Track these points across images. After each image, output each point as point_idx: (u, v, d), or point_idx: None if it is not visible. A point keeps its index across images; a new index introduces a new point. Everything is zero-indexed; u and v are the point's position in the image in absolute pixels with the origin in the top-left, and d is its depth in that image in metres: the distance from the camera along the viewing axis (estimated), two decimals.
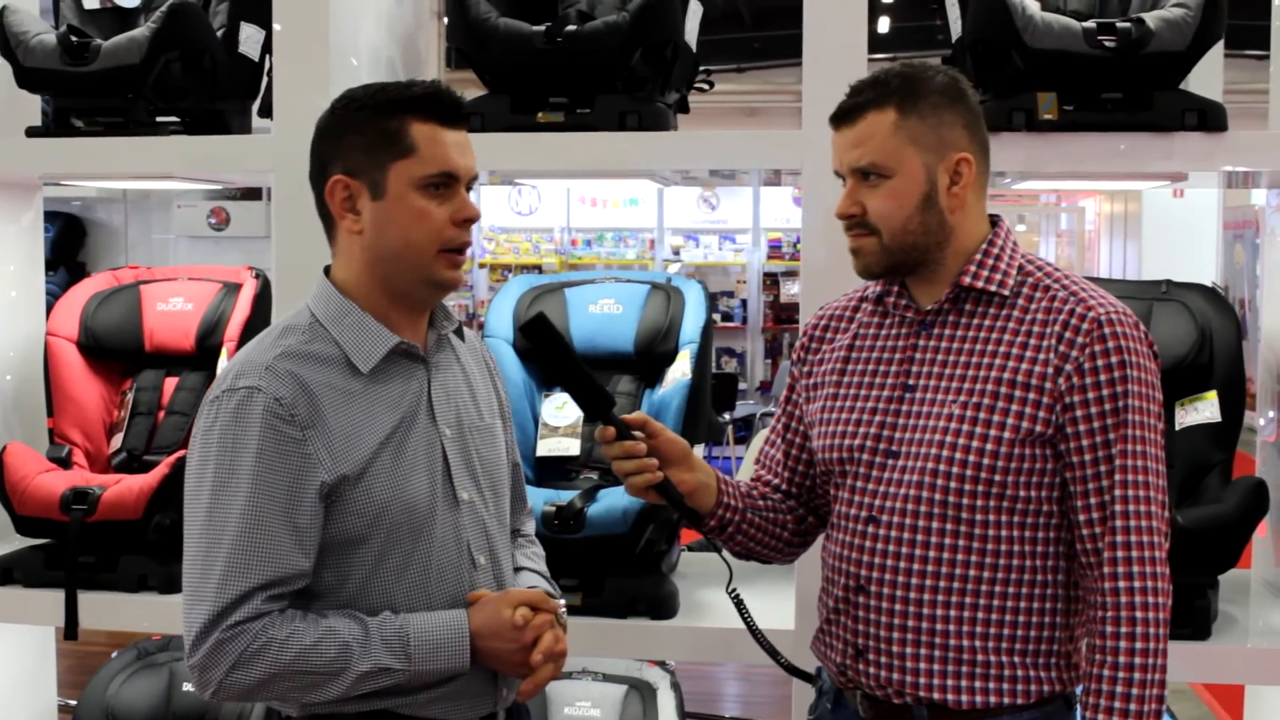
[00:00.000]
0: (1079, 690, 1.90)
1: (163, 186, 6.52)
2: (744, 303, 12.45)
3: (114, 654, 3.25)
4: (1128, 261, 14.54)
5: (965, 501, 1.88)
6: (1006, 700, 1.89)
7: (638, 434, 1.96)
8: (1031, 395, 1.87)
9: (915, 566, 1.91)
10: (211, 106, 2.98)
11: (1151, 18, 2.56)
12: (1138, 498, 1.85)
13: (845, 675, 1.99)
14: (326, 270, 1.91)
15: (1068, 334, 1.87)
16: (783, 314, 12.23)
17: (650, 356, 2.96)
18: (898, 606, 1.92)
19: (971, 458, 1.87)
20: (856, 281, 2.06)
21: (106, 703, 3.09)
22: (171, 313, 3.16)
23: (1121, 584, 1.83)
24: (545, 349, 1.96)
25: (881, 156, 1.90)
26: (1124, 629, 1.82)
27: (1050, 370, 1.87)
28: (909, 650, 1.91)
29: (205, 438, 1.79)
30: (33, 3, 3.19)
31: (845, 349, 2.05)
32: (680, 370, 2.88)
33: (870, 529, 1.94)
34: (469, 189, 1.86)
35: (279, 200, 2.88)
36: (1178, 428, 2.68)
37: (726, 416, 9.58)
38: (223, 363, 3.00)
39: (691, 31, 2.90)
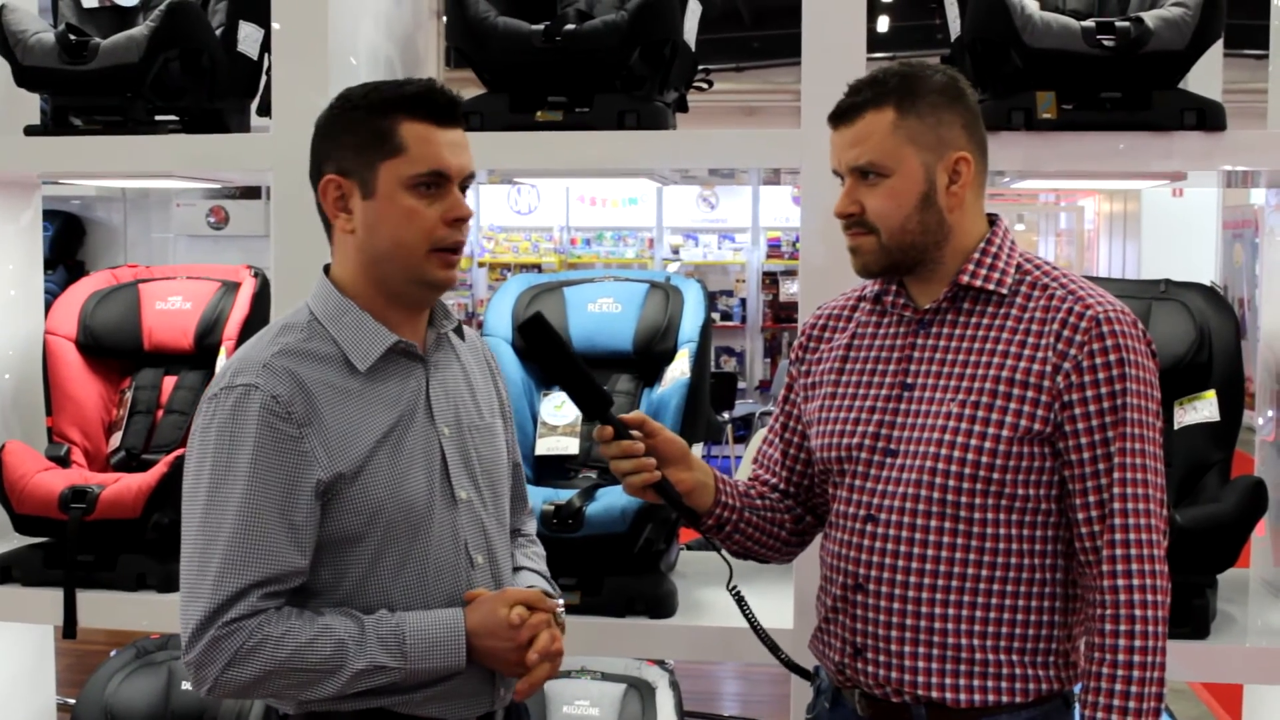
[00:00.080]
0: (1077, 689, 1.90)
1: (162, 185, 6.51)
2: (743, 302, 12.45)
3: (113, 653, 3.25)
4: (1127, 261, 14.55)
5: (964, 500, 1.88)
6: (1005, 699, 1.89)
7: (635, 433, 1.96)
8: (1030, 393, 1.87)
9: (914, 565, 1.91)
10: (210, 105, 2.98)
11: (1150, 17, 2.56)
12: (1136, 495, 1.85)
13: (843, 674, 1.99)
14: (326, 269, 1.92)
15: (1066, 332, 1.87)
16: (782, 313, 12.22)
17: (649, 355, 2.97)
18: (896, 605, 1.92)
19: (970, 456, 1.87)
20: (856, 281, 2.06)
21: (105, 701, 3.09)
22: (170, 311, 3.16)
23: (1120, 582, 1.83)
24: (543, 349, 1.96)
25: (880, 155, 1.90)
26: (1123, 627, 1.82)
27: (1049, 368, 1.87)
28: (907, 649, 1.91)
29: (203, 435, 1.79)
30: (31, 1, 3.19)
31: (843, 348, 2.05)
32: (679, 369, 2.88)
33: (869, 527, 1.94)
34: (464, 188, 1.85)
35: (278, 199, 2.88)
36: (1176, 427, 2.68)
37: (725, 415, 9.57)
38: (221, 361, 3.00)
39: (690, 30, 2.90)
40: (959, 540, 1.89)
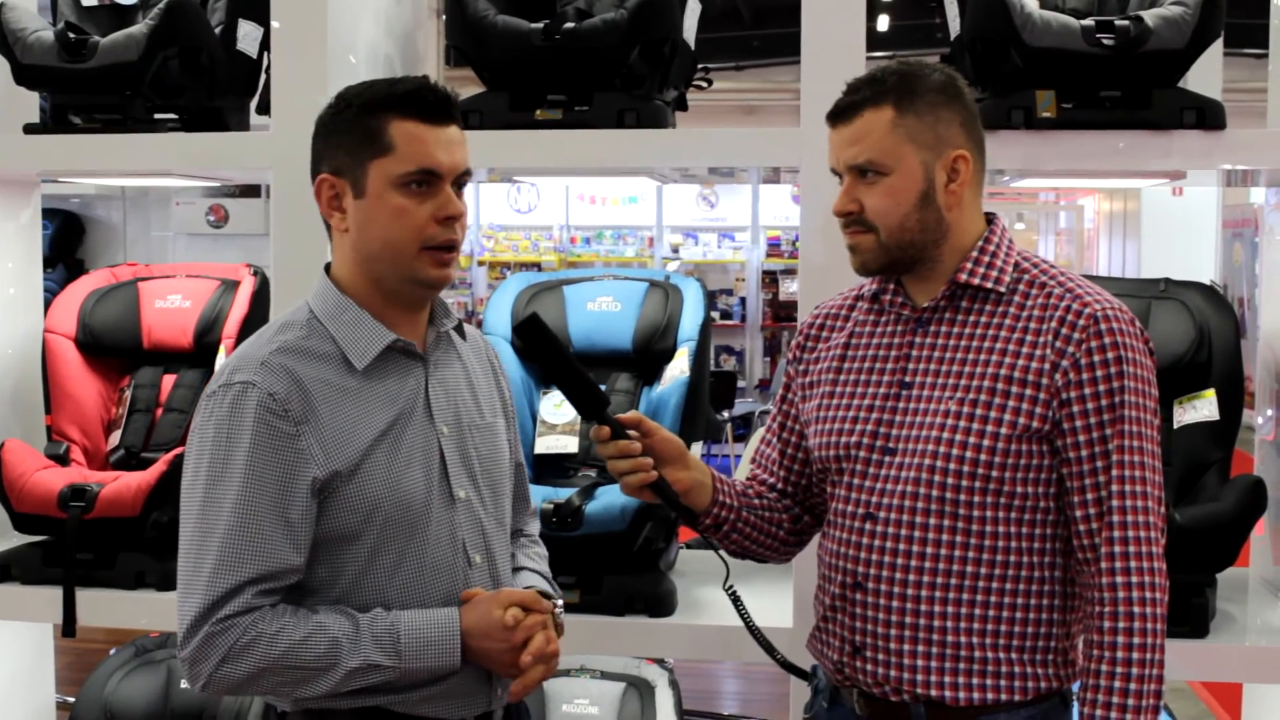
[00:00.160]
0: (1076, 687, 1.90)
1: (161, 184, 6.52)
2: (743, 300, 12.45)
3: (112, 651, 3.25)
4: (1126, 259, 14.55)
5: (962, 498, 1.88)
6: (1004, 697, 1.89)
7: (632, 433, 1.96)
8: (1028, 391, 1.87)
9: (913, 563, 1.91)
10: (209, 104, 2.98)
11: (1150, 16, 2.56)
12: (1134, 493, 1.85)
13: (842, 673, 1.99)
14: (327, 268, 1.92)
15: (1064, 330, 1.87)
16: (781, 312, 12.23)
17: (648, 354, 2.97)
18: (895, 603, 1.92)
19: (969, 454, 1.87)
20: (855, 279, 2.06)
21: (104, 700, 3.09)
22: (170, 310, 3.16)
23: (1119, 579, 1.83)
24: (539, 349, 1.96)
25: (879, 154, 1.90)
26: (1121, 624, 1.82)
27: (1047, 366, 1.87)
28: (906, 647, 1.91)
29: (200, 432, 1.80)
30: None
31: (841, 347, 2.05)
32: (678, 368, 2.88)
33: (867, 526, 1.94)
34: (460, 185, 1.85)
35: (277, 197, 2.88)
36: (1176, 426, 2.68)
37: (725, 414, 9.57)
38: (221, 360, 3.00)
39: (690, 29, 2.90)
40: (958, 538, 1.89)
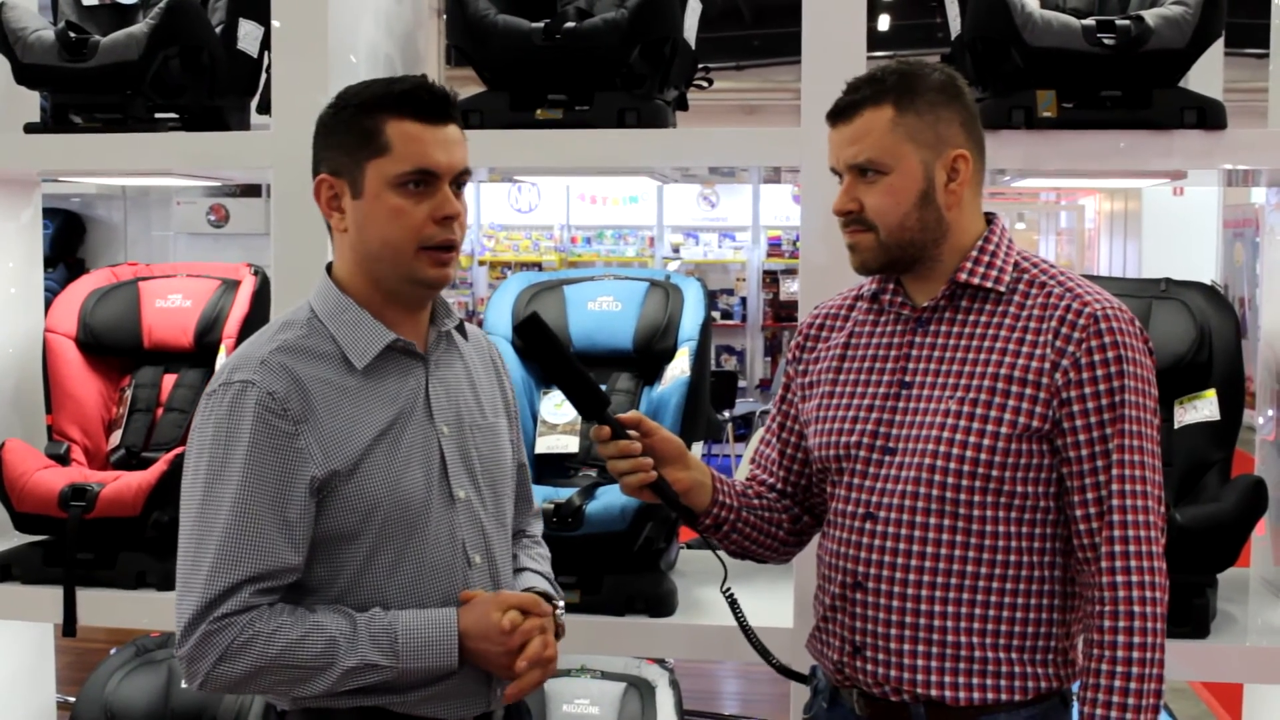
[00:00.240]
0: (1076, 687, 1.90)
1: (162, 183, 6.53)
2: (743, 300, 12.45)
3: (112, 651, 3.25)
4: (1127, 259, 14.54)
5: (963, 497, 1.88)
6: (1004, 697, 1.89)
7: (632, 433, 1.95)
8: (1028, 391, 1.87)
9: (913, 563, 1.91)
10: (210, 103, 2.98)
11: (1151, 15, 2.56)
12: (1134, 492, 1.85)
13: (842, 673, 1.98)
14: (329, 267, 1.92)
15: (1064, 329, 1.87)
16: (782, 312, 12.22)
17: (649, 354, 2.96)
18: (895, 603, 1.92)
19: (969, 453, 1.87)
20: (856, 279, 2.06)
21: (105, 699, 3.09)
22: (170, 309, 3.16)
23: (1119, 579, 1.83)
24: (539, 349, 1.96)
25: (879, 153, 1.90)
26: (1121, 623, 1.82)
27: (1047, 365, 1.87)
28: (906, 647, 1.91)
29: (200, 431, 1.80)
30: None
31: (841, 347, 2.05)
32: (679, 368, 2.88)
33: (868, 525, 1.94)
34: (459, 185, 1.85)
35: (278, 197, 2.88)
36: (1177, 426, 2.68)
37: (726, 414, 9.57)
38: (221, 359, 3.00)
39: (690, 28, 2.90)
40: (958, 538, 1.89)
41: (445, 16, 2.95)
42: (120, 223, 9.54)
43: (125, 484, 2.80)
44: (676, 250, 12.51)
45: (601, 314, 3.02)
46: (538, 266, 12.16)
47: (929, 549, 1.90)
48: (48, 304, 3.31)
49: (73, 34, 2.88)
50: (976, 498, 1.88)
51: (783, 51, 12.75)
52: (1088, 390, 1.85)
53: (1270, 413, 3.07)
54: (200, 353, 3.12)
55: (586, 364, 2.05)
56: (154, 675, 3.15)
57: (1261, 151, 2.68)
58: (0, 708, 3.31)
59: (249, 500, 1.74)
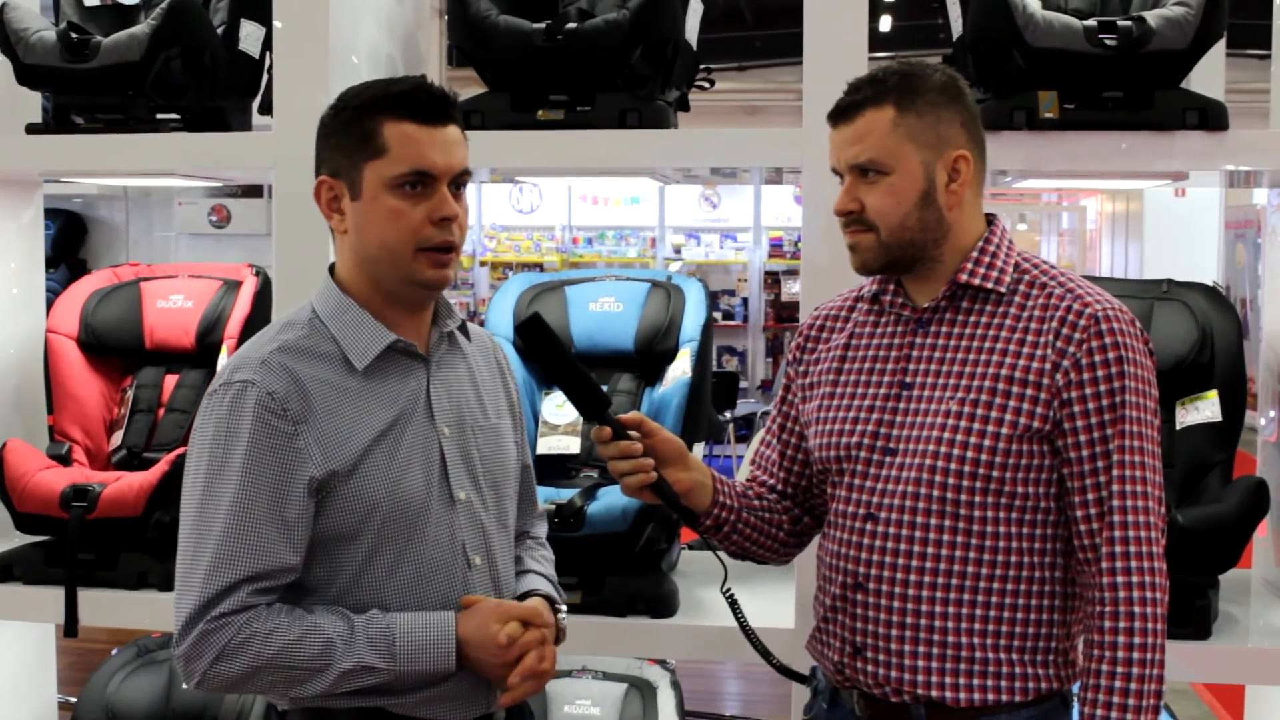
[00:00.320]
0: (1076, 688, 1.90)
1: (163, 184, 6.53)
2: (745, 301, 12.45)
3: (114, 651, 3.25)
4: (1129, 261, 14.53)
5: (963, 498, 1.88)
6: (1004, 698, 1.89)
7: (633, 433, 1.95)
8: (1029, 391, 1.87)
9: (914, 563, 1.91)
10: (212, 104, 2.98)
11: (1153, 16, 2.56)
12: (1135, 493, 1.85)
13: (842, 674, 1.98)
14: (332, 268, 1.92)
15: (1065, 330, 1.87)
16: (784, 312, 12.22)
17: (651, 355, 2.96)
18: (896, 604, 1.92)
19: (969, 454, 1.87)
20: (857, 280, 2.06)
21: (106, 700, 3.09)
22: (172, 310, 3.16)
23: (1119, 579, 1.83)
24: (540, 349, 1.96)
25: (880, 153, 1.90)
26: (1122, 624, 1.82)
27: (1048, 366, 1.87)
28: (907, 648, 1.91)
29: (201, 431, 1.81)
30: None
31: (841, 348, 2.05)
32: (680, 369, 2.88)
33: (868, 526, 1.94)
34: (459, 186, 1.85)
35: (279, 197, 2.88)
36: (1178, 427, 2.68)
37: (727, 415, 9.57)
38: (223, 360, 3.00)
39: (692, 29, 2.90)
40: (958, 539, 1.89)
41: (447, 17, 2.95)
42: (122, 223, 9.54)
43: (127, 484, 2.80)
44: (678, 251, 12.52)
45: (603, 315, 3.02)
46: (539, 267, 12.17)
47: (929, 550, 1.90)
48: (49, 304, 3.31)
49: (74, 35, 2.88)
50: (977, 498, 1.88)
51: (784, 52, 12.75)
52: (1088, 391, 1.85)
53: (1272, 414, 3.07)
54: (202, 353, 3.12)
55: (588, 365, 2.04)
56: (155, 676, 3.15)
57: (1263, 152, 2.68)
58: (2, 708, 3.31)
59: (247, 500, 1.74)
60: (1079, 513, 1.87)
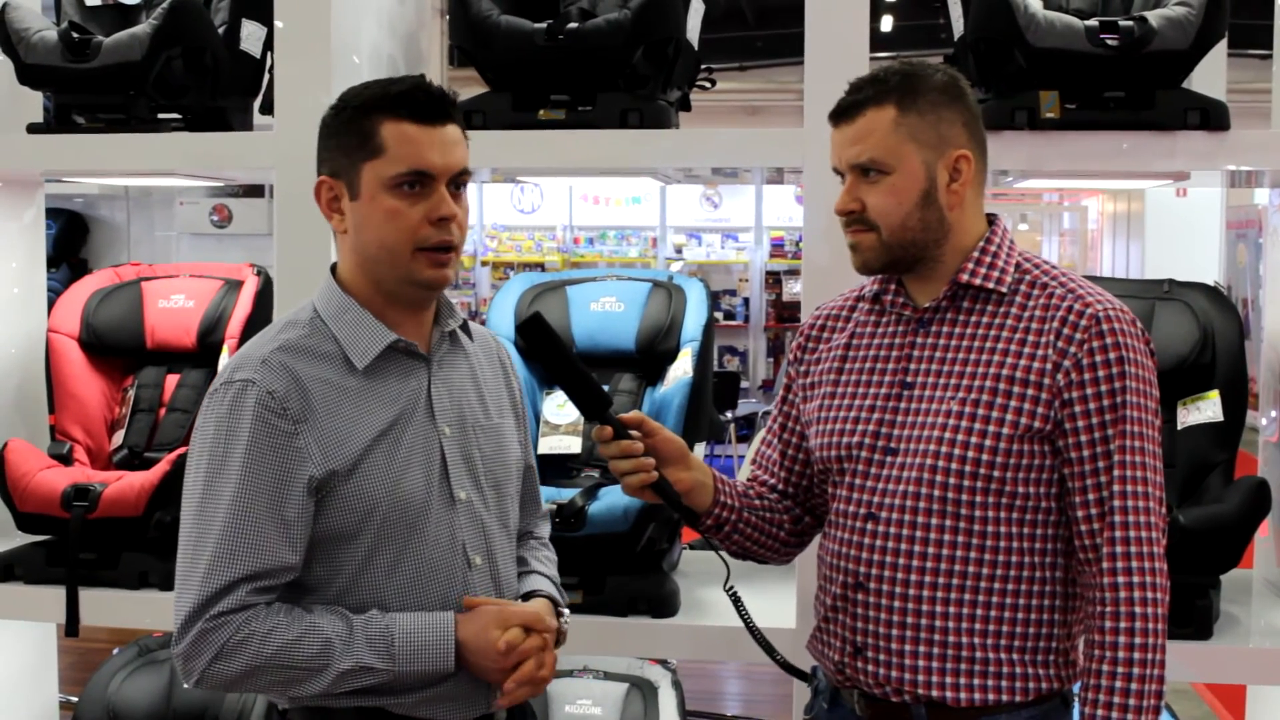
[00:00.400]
0: (1076, 688, 1.90)
1: (165, 183, 6.53)
2: (746, 301, 12.45)
3: (115, 651, 3.25)
4: (1130, 260, 14.53)
5: (964, 498, 1.88)
6: (1005, 698, 1.89)
7: (634, 433, 1.96)
8: (1030, 391, 1.87)
9: (914, 563, 1.91)
10: (213, 103, 2.98)
11: (1154, 16, 2.55)
12: (1135, 493, 1.85)
13: (843, 674, 1.98)
14: (334, 268, 1.92)
15: (1066, 330, 1.87)
16: (785, 312, 12.23)
17: (652, 354, 2.96)
18: (897, 604, 1.92)
19: (970, 454, 1.87)
20: (859, 279, 2.06)
21: (108, 699, 3.10)
22: (173, 310, 3.16)
23: (1120, 579, 1.83)
24: (541, 348, 1.96)
25: (881, 153, 1.90)
26: (1123, 624, 1.82)
27: (1049, 366, 1.87)
28: (908, 648, 1.91)
29: (202, 430, 1.81)
30: None
31: (842, 348, 2.05)
32: (682, 368, 2.88)
33: (869, 526, 1.94)
34: (458, 186, 1.84)
35: (281, 197, 2.88)
36: (1180, 427, 2.68)
37: (728, 415, 9.58)
38: (224, 360, 3.00)
39: (693, 29, 2.90)
40: (959, 539, 1.89)
41: (448, 17, 2.95)
42: (123, 223, 9.53)
43: (128, 484, 2.80)
44: (679, 251, 12.52)
45: (604, 314, 3.02)
46: (540, 267, 12.17)
47: (930, 549, 1.90)
48: (51, 304, 3.31)
49: (76, 34, 2.88)
50: (978, 498, 1.88)
51: (785, 52, 12.76)
52: (1089, 391, 1.85)
53: (1273, 414, 3.07)
54: (203, 353, 3.12)
55: (589, 364, 2.05)
56: (156, 675, 3.15)
57: (1265, 152, 2.68)
58: (3, 707, 3.31)
59: (247, 499, 1.75)
60: (1080, 513, 1.87)
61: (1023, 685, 1.90)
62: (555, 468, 2.90)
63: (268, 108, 3.03)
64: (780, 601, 2.71)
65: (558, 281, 3.13)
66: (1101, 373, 1.85)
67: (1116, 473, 1.85)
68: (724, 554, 2.12)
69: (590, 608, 2.68)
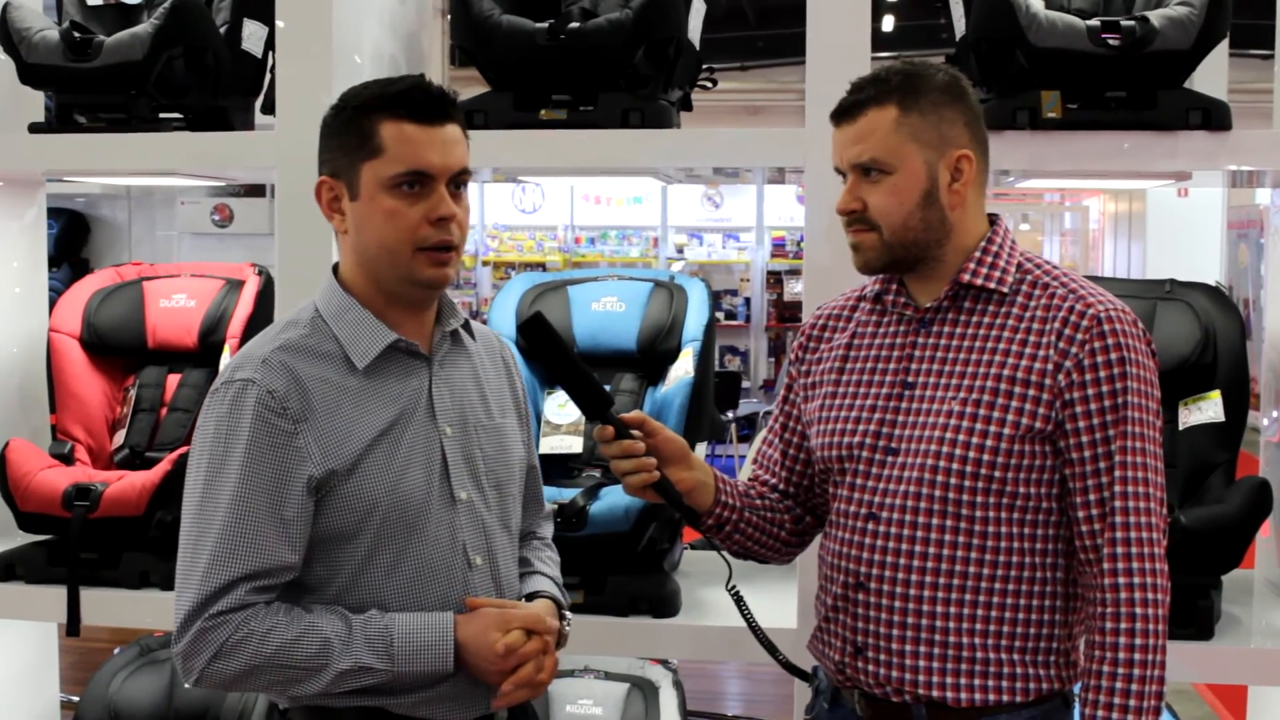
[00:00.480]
0: (1077, 688, 1.90)
1: (166, 183, 6.53)
2: (747, 301, 12.45)
3: (116, 650, 3.25)
4: (1132, 261, 14.53)
5: (965, 498, 1.88)
6: (1005, 698, 1.89)
7: (635, 433, 1.96)
8: (1031, 392, 1.87)
9: (915, 563, 1.90)
10: (214, 103, 2.99)
11: (1156, 16, 2.55)
12: (1136, 494, 1.85)
13: (843, 674, 1.98)
14: (335, 268, 1.92)
15: (1067, 330, 1.87)
16: (786, 312, 12.23)
17: (653, 354, 2.97)
18: (897, 604, 1.92)
19: (971, 454, 1.87)
20: (860, 279, 2.06)
21: (109, 699, 3.10)
22: (174, 309, 3.16)
23: (1121, 580, 1.83)
24: (543, 348, 1.96)
25: (883, 153, 1.90)
26: (1123, 625, 1.82)
27: (1050, 367, 1.87)
28: (908, 648, 1.91)
29: (203, 429, 1.81)
30: None
31: (844, 348, 2.05)
32: (683, 368, 2.88)
33: (870, 526, 1.94)
34: (459, 185, 1.84)
35: (282, 197, 2.88)
36: (1181, 427, 2.67)
37: (729, 415, 9.58)
38: (225, 359, 3.00)
39: (695, 29, 2.90)
40: (960, 539, 1.89)
41: (449, 16, 2.95)
42: (124, 223, 9.53)
43: (129, 484, 2.80)
44: (680, 251, 12.52)
45: (605, 314, 3.02)
46: (541, 267, 12.17)
47: (931, 550, 1.90)
48: (52, 304, 3.31)
49: (77, 34, 2.88)
50: (979, 498, 1.88)
51: (787, 52, 12.75)
52: (1090, 392, 1.85)
53: (1275, 414, 3.07)
54: (204, 352, 3.12)
55: (590, 364, 2.05)
56: (157, 675, 3.15)
57: (1266, 153, 2.67)
58: (4, 707, 3.31)
59: (246, 498, 1.75)
60: (1080, 513, 1.87)
61: (1023, 685, 1.90)
62: (556, 467, 2.90)
63: (269, 107, 3.03)
64: (781, 601, 2.71)
65: (559, 281, 3.13)
66: (1103, 373, 1.85)
67: (1117, 473, 1.85)
68: (725, 554, 2.12)
69: (591, 608, 2.68)
